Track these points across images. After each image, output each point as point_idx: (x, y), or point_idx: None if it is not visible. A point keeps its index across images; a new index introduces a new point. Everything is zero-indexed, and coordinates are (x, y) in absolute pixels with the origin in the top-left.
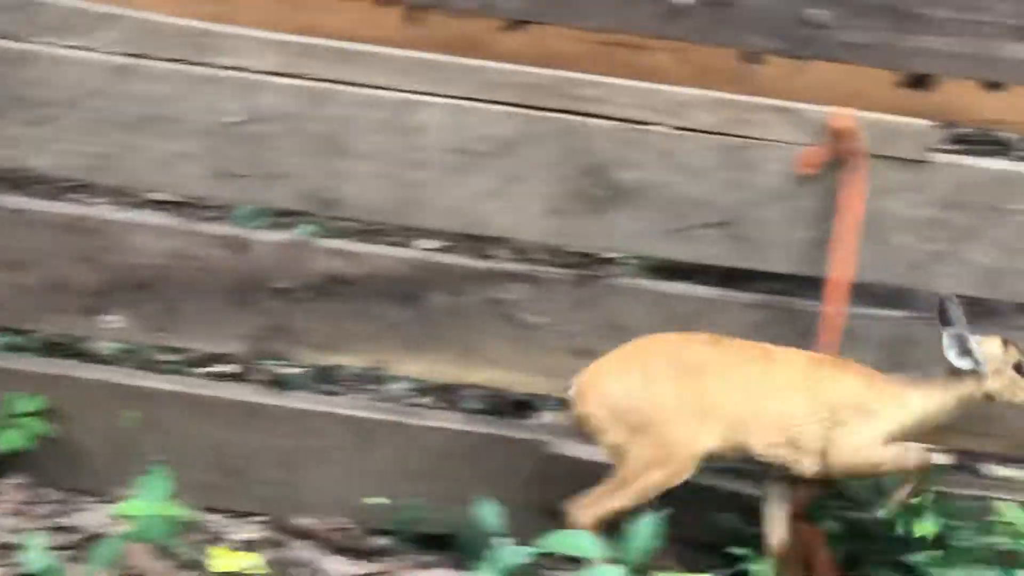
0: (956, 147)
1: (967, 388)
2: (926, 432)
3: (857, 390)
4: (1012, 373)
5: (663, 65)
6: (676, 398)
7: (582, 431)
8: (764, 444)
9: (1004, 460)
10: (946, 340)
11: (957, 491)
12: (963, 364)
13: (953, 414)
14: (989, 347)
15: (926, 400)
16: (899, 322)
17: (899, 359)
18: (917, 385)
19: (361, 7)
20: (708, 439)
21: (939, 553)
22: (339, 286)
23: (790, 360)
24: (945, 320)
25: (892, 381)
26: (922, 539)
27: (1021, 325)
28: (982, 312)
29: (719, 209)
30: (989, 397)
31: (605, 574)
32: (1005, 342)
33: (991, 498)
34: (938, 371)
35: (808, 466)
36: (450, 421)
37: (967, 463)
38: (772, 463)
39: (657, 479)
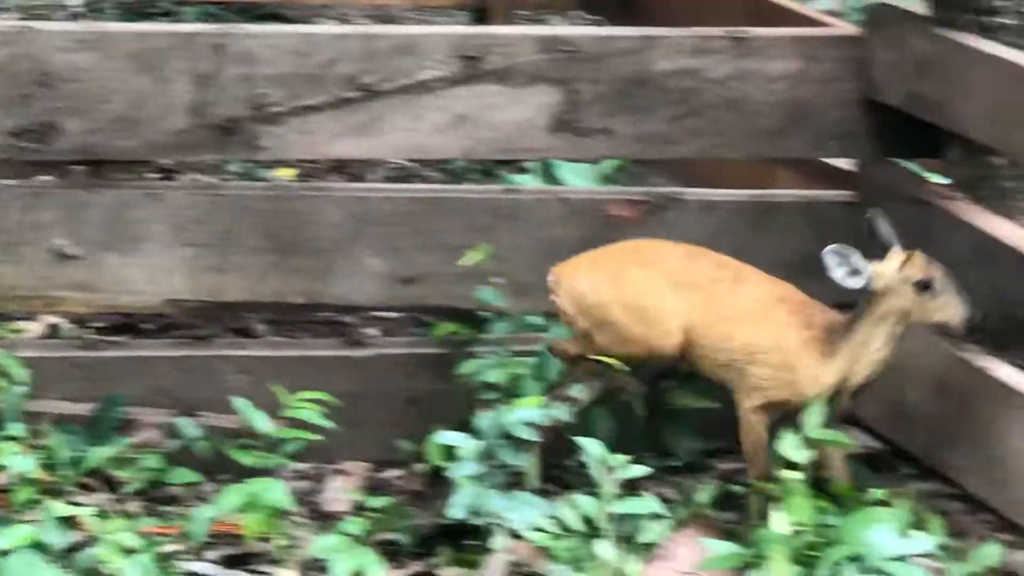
0: None
1: (879, 311)
2: (877, 364)
3: (794, 342)
4: (912, 293)
5: None
6: (637, 303)
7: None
8: (712, 363)
9: None
10: (829, 259)
11: None
12: (852, 283)
13: (890, 339)
14: (883, 264)
15: (853, 346)
16: None
17: None
18: (849, 332)
19: None
20: (666, 343)
21: None
22: None
23: (757, 290)
24: (874, 240)
25: (831, 334)
26: None
27: None
28: None
29: None
30: (906, 317)
31: None
32: (908, 257)
33: None
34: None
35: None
36: None
37: None
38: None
39: (634, 350)
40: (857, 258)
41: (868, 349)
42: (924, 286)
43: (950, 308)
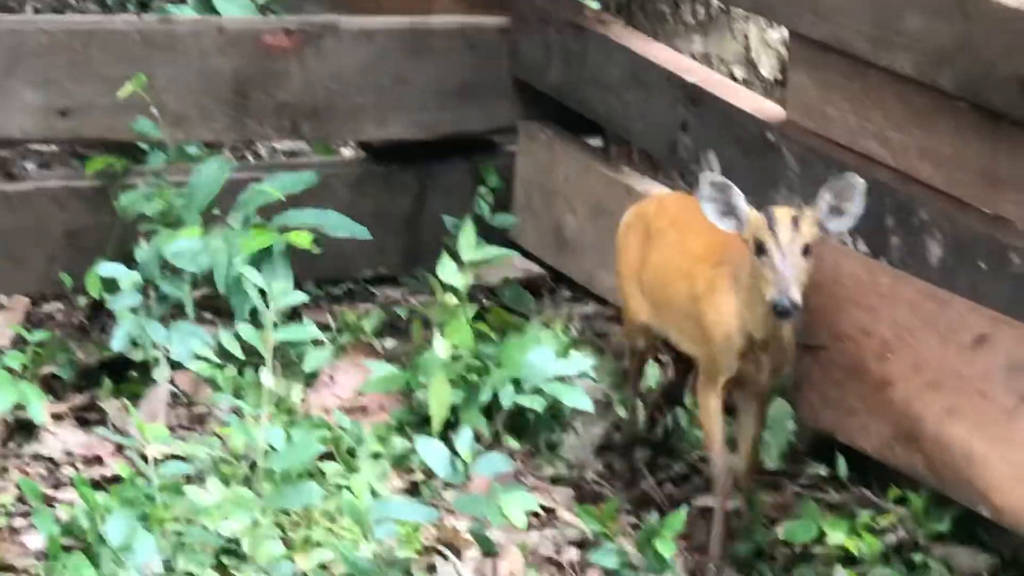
0: None
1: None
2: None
3: (702, 285)
4: (753, 250)
5: None
6: (631, 259)
7: None
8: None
9: None
10: (704, 189)
11: None
12: (722, 225)
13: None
14: (755, 212)
15: (744, 288)
16: None
17: None
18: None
19: None
20: (642, 312)
21: None
22: None
23: (697, 249)
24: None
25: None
26: None
27: None
28: None
29: None
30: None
31: None
32: (767, 212)
33: None
34: None
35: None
36: None
37: None
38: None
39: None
40: (736, 196)
41: (752, 296)
42: (757, 248)
43: (766, 285)
